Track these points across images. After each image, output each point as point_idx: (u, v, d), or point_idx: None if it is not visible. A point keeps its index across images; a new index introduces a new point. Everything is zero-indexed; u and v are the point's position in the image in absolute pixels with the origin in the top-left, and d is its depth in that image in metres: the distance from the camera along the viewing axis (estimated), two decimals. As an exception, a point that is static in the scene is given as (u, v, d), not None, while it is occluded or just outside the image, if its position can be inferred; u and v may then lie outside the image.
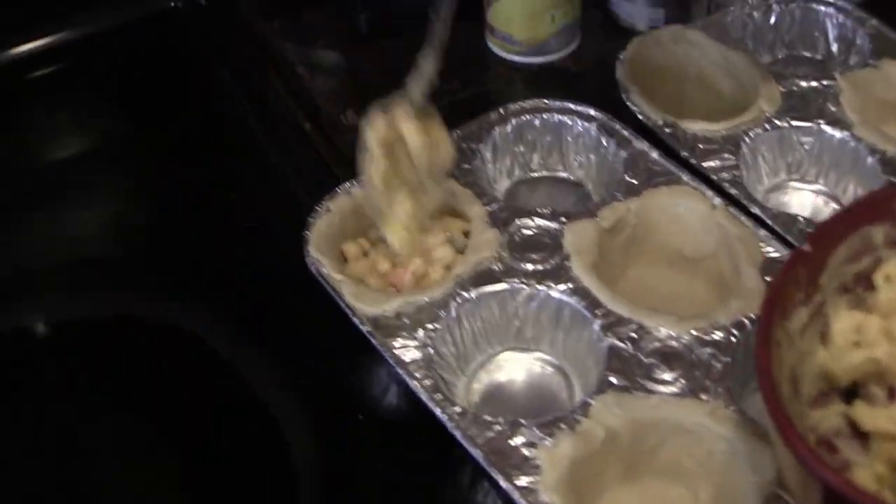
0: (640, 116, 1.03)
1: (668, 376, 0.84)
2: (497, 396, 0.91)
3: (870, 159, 1.00)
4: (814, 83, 1.07)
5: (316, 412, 0.93)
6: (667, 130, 1.02)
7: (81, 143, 1.27)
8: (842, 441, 0.74)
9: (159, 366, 0.97)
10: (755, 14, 1.16)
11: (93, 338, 1.01)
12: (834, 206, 1.04)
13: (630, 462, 0.82)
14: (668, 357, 0.85)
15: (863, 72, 1.08)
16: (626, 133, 1.01)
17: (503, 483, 0.78)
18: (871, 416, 0.75)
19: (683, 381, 0.83)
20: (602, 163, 1.03)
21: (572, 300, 0.89)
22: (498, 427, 0.81)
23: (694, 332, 0.86)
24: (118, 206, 1.18)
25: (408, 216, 0.94)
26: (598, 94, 1.09)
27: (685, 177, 0.98)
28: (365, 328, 0.87)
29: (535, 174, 1.07)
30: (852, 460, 0.73)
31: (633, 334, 0.86)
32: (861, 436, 0.75)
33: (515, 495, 0.77)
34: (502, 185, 1.05)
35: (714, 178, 0.98)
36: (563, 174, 1.07)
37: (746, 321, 0.87)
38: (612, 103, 1.07)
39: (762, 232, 0.93)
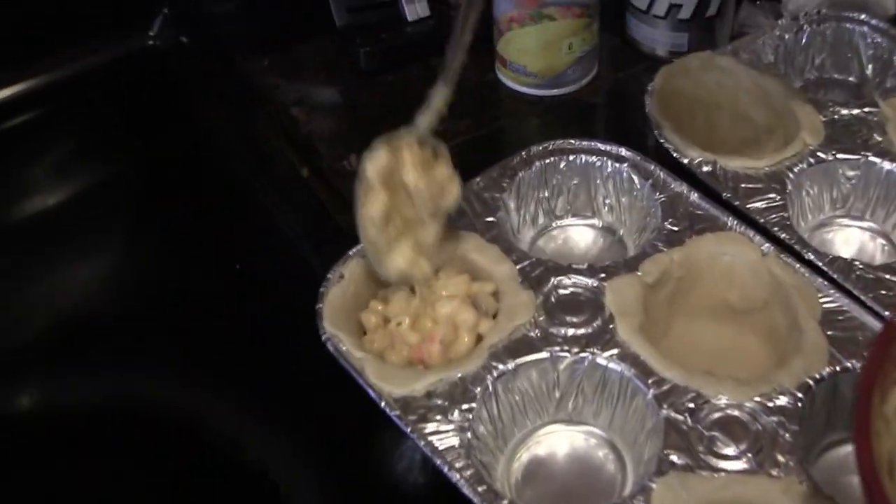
0: (674, 154, 0.94)
1: (732, 450, 0.77)
2: (541, 476, 0.83)
3: (922, 192, 0.91)
4: (856, 111, 0.99)
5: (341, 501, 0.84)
6: (705, 169, 0.93)
7: (59, 197, 1.17)
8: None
9: (159, 452, 0.88)
10: (786, 36, 1.08)
11: (80, 425, 0.92)
12: (882, 243, 0.97)
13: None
14: (731, 428, 0.78)
15: (905, 97, 0.99)
16: (661, 174, 0.93)
17: None
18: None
19: (750, 455, 0.76)
20: (635, 206, 0.96)
21: (620, 368, 0.81)
22: (552, 522, 0.71)
23: (757, 399, 0.79)
24: (103, 270, 1.08)
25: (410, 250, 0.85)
26: (621, 129, 1.03)
27: (729, 221, 0.90)
28: (394, 413, 0.79)
29: (562, 221, 0.98)
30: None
31: (691, 404, 0.79)
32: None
33: None
34: (526, 236, 0.97)
35: (761, 220, 0.90)
36: (593, 220, 0.98)
37: (811, 382, 0.79)
38: (637, 138, 1.00)
39: (818, 280, 0.84)
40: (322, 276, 0.87)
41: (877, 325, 0.82)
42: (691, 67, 1.03)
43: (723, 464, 0.76)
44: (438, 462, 0.76)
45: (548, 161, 0.97)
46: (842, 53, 1.10)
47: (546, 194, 0.97)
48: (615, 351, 0.82)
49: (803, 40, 1.09)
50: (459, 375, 0.82)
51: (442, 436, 0.78)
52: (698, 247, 0.89)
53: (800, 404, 0.78)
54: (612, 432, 0.84)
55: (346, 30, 1.20)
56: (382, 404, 0.80)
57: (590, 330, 0.84)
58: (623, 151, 0.96)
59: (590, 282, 0.87)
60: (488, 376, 0.81)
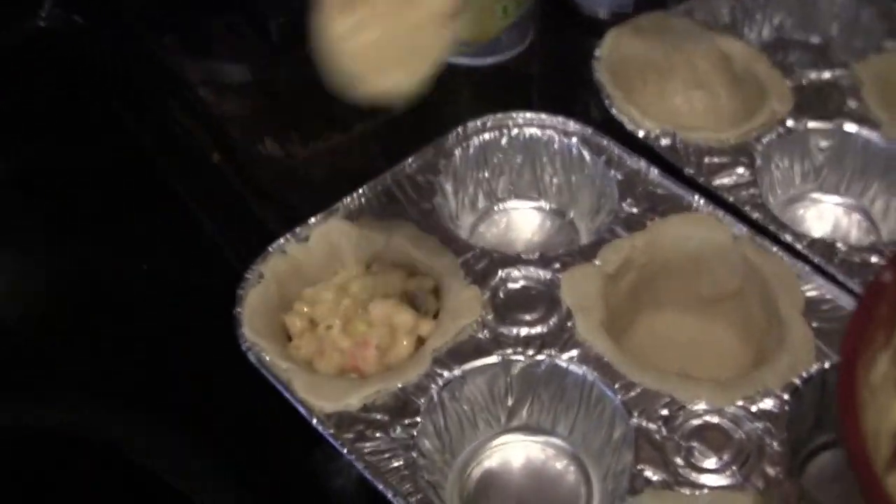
0: (629, 127, 0.84)
1: (713, 463, 0.68)
2: (495, 493, 0.74)
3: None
4: (826, 74, 0.91)
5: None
6: (664, 143, 0.84)
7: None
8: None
9: (66, 486, 0.76)
10: (743, -9, 0.97)
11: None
12: (859, 218, 0.89)
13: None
14: (711, 437, 0.69)
15: (879, 59, 0.92)
16: (616, 149, 0.83)
17: None
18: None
19: (734, 468, 0.68)
20: (586, 186, 0.86)
21: (582, 371, 0.72)
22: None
23: (739, 403, 0.70)
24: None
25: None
26: (564, 100, 0.92)
27: (695, 200, 0.80)
28: (327, 431, 0.67)
29: (504, 204, 0.88)
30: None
31: (664, 411, 0.70)
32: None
33: None
34: (466, 222, 0.87)
35: (730, 199, 0.80)
36: (539, 202, 0.88)
37: (798, 382, 0.71)
38: (583, 109, 0.91)
39: (798, 265, 0.75)
40: (241, 274, 0.75)
41: (865, 313, 0.72)
42: (643, 29, 0.94)
43: (704, 478, 0.67)
44: (381, 487, 0.66)
45: (487, 137, 0.86)
46: (804, 12, 1.00)
47: (486, 175, 0.87)
48: (575, 352, 0.73)
49: (761, -2, 0.98)
50: (400, 386, 0.72)
51: (383, 455, 0.69)
52: (662, 231, 0.80)
53: (787, 407, 0.70)
54: (574, 443, 0.74)
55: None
56: (314, 422, 0.69)
57: (545, 329, 0.75)
58: (571, 125, 0.86)
59: (542, 274, 0.78)
60: (432, 385, 0.72)
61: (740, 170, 0.83)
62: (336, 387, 0.72)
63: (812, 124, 0.87)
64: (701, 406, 0.70)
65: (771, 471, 0.67)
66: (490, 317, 0.75)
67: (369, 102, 0.69)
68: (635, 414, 0.69)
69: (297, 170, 0.93)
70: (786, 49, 0.99)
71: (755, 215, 0.80)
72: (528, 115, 0.87)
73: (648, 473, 0.67)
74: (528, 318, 0.75)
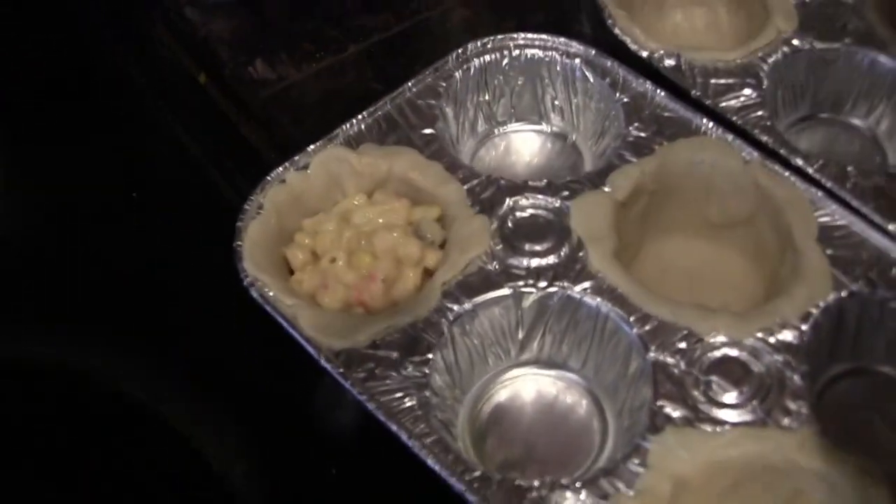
0: (632, 47, 0.81)
1: (733, 397, 0.66)
2: (507, 431, 0.72)
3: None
4: (830, -10, 0.86)
5: (273, 468, 0.71)
6: (668, 63, 0.81)
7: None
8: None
9: (55, 418, 0.75)
10: None
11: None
12: (865, 139, 0.87)
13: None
14: (730, 371, 0.68)
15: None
16: (621, 71, 0.80)
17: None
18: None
19: (755, 403, 0.66)
20: (589, 108, 0.84)
21: (596, 303, 0.69)
22: (534, 494, 0.62)
23: (758, 335, 0.68)
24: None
25: None
26: (559, 18, 0.88)
27: (703, 123, 0.78)
28: (336, 370, 0.65)
29: (505, 128, 0.85)
30: None
31: (682, 344, 0.69)
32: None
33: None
34: (467, 147, 0.84)
35: (738, 121, 0.78)
36: (541, 125, 0.85)
37: (815, 311, 0.69)
38: (570, 24, 0.88)
39: (812, 190, 0.73)
40: (232, 200, 0.72)
41: (880, 240, 0.71)
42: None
43: (725, 414, 0.66)
44: (395, 428, 0.64)
45: (488, 59, 0.83)
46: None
47: (486, 97, 0.85)
48: (588, 284, 0.71)
49: None
50: (409, 321, 0.69)
51: (395, 395, 0.67)
52: (671, 155, 0.78)
53: (805, 339, 0.68)
54: (586, 377, 0.73)
55: None
56: (322, 361, 0.67)
57: (556, 260, 0.72)
58: (574, 46, 0.83)
59: (551, 201, 0.75)
60: (443, 320, 0.70)
61: (747, 91, 0.81)
62: (343, 323, 0.69)
63: (818, 44, 0.84)
64: (719, 338, 0.68)
65: (793, 405, 0.65)
66: (499, 247, 0.73)
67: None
68: (653, 348, 0.68)
69: (290, 93, 0.89)
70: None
71: (764, 138, 0.78)
72: (531, 35, 0.84)
73: (668, 410, 0.65)
74: (537, 248, 0.73)
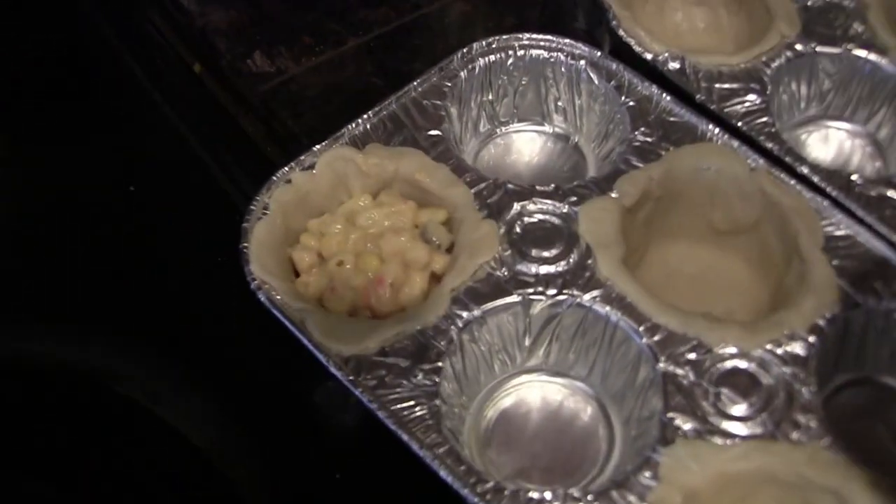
0: (636, 49, 0.81)
1: (743, 409, 0.66)
2: (512, 437, 0.72)
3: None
4: (832, -5, 0.86)
5: (277, 472, 0.70)
6: (672, 66, 0.81)
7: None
8: None
9: (55, 418, 0.74)
10: None
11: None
12: (862, 143, 0.87)
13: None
14: (739, 382, 0.68)
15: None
16: (627, 74, 0.79)
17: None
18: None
19: (764, 415, 0.66)
20: (593, 110, 0.84)
21: (605, 311, 0.69)
22: (546, 505, 0.61)
23: (767, 347, 0.68)
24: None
25: None
26: (559, 18, 0.89)
27: (709, 130, 0.78)
28: (346, 377, 0.65)
29: (506, 128, 0.85)
30: None
31: (692, 355, 0.68)
32: None
33: None
34: (470, 147, 0.84)
35: (743, 127, 0.79)
36: (543, 126, 0.85)
37: (822, 323, 0.69)
38: (567, 21, 0.89)
39: (818, 200, 0.73)
40: (233, 197, 0.71)
41: (885, 251, 0.71)
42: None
43: (735, 426, 0.66)
44: (406, 438, 0.64)
45: (493, 59, 0.83)
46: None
47: (490, 97, 0.84)
48: (598, 292, 0.71)
49: None
50: (418, 328, 0.69)
51: (406, 404, 0.66)
52: (678, 161, 0.78)
53: (812, 350, 0.68)
54: (593, 385, 0.73)
55: None
56: (331, 367, 0.66)
57: (565, 266, 0.72)
58: (580, 47, 0.82)
59: (559, 206, 0.75)
60: (452, 328, 0.70)
61: (751, 96, 0.81)
62: (352, 329, 0.69)
63: (821, 48, 0.84)
64: (728, 350, 0.68)
65: (802, 419, 0.66)
66: (507, 253, 0.72)
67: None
68: (662, 358, 0.68)
69: (289, 86, 0.88)
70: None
71: (769, 145, 0.78)
72: (536, 35, 0.84)
73: (679, 422, 0.65)
74: (546, 254, 0.73)
